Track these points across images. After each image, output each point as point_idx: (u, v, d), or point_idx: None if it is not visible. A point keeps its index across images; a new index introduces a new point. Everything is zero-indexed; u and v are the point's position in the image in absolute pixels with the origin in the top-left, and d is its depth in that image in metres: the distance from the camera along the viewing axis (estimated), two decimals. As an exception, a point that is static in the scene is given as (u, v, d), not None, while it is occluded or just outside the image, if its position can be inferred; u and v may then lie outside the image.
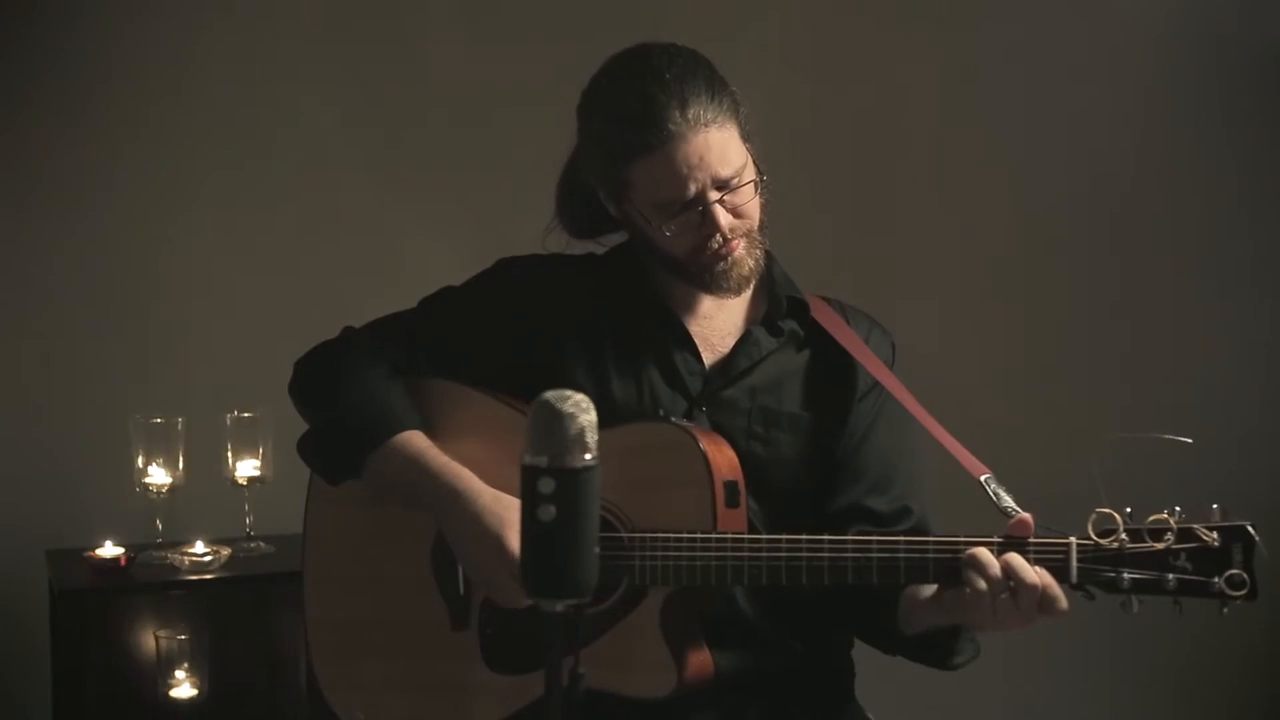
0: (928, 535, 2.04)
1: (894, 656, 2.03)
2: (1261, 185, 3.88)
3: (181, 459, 3.03)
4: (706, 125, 1.94)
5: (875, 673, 2.16)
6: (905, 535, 2.01)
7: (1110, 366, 3.83)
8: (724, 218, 1.96)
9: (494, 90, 3.46)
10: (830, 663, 2.10)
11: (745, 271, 2.00)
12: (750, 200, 1.99)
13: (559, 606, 1.39)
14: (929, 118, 3.75)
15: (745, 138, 2.00)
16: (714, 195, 1.95)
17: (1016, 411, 3.72)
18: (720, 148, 1.95)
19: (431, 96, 3.47)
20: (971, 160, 3.76)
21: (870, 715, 2.12)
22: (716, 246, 1.97)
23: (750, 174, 1.99)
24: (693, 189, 1.94)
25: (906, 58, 3.73)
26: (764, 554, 1.87)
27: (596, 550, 1.40)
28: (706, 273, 2.00)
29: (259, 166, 3.36)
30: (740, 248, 1.99)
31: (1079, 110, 3.79)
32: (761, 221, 2.02)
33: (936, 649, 1.97)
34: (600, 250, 2.17)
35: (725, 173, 1.95)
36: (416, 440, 2.01)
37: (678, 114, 1.93)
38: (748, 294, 2.10)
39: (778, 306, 2.08)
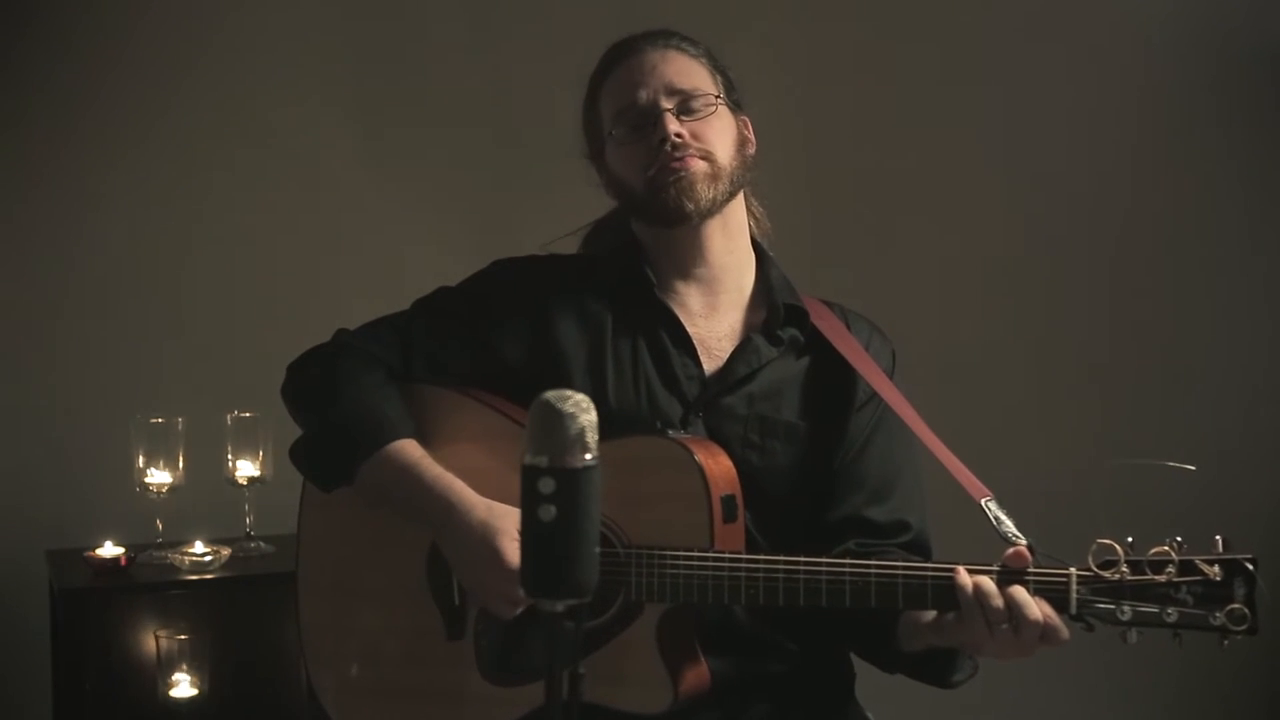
0: (926, 547, 2.04)
1: (893, 675, 2.02)
2: (1261, 185, 3.88)
3: (181, 459, 3.02)
4: (667, 47, 2.05)
5: (875, 674, 2.16)
6: (903, 548, 2.00)
7: (1108, 367, 3.83)
8: (672, 124, 2.00)
9: (494, 92, 3.47)
10: (830, 664, 2.09)
11: (699, 195, 2.00)
12: (707, 120, 2.02)
13: (559, 607, 1.39)
14: (928, 118, 3.75)
15: (722, 87, 2.06)
16: (666, 104, 2.01)
17: (1013, 412, 3.72)
18: (679, 64, 2.04)
19: (432, 98, 3.47)
20: (971, 161, 3.76)
21: (870, 716, 2.12)
22: (666, 155, 1.99)
23: (714, 101, 2.04)
24: (644, 95, 2.02)
25: (906, 58, 3.74)
26: (761, 573, 1.85)
27: (597, 550, 1.40)
28: (662, 194, 2.00)
29: (259, 168, 3.36)
30: (697, 167, 2.00)
31: (1078, 110, 3.79)
32: (734, 167, 2.03)
33: (935, 668, 1.96)
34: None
35: (680, 83, 2.02)
36: (410, 449, 2.00)
37: (642, 39, 2.06)
38: (745, 298, 2.09)
39: (776, 314, 2.06)
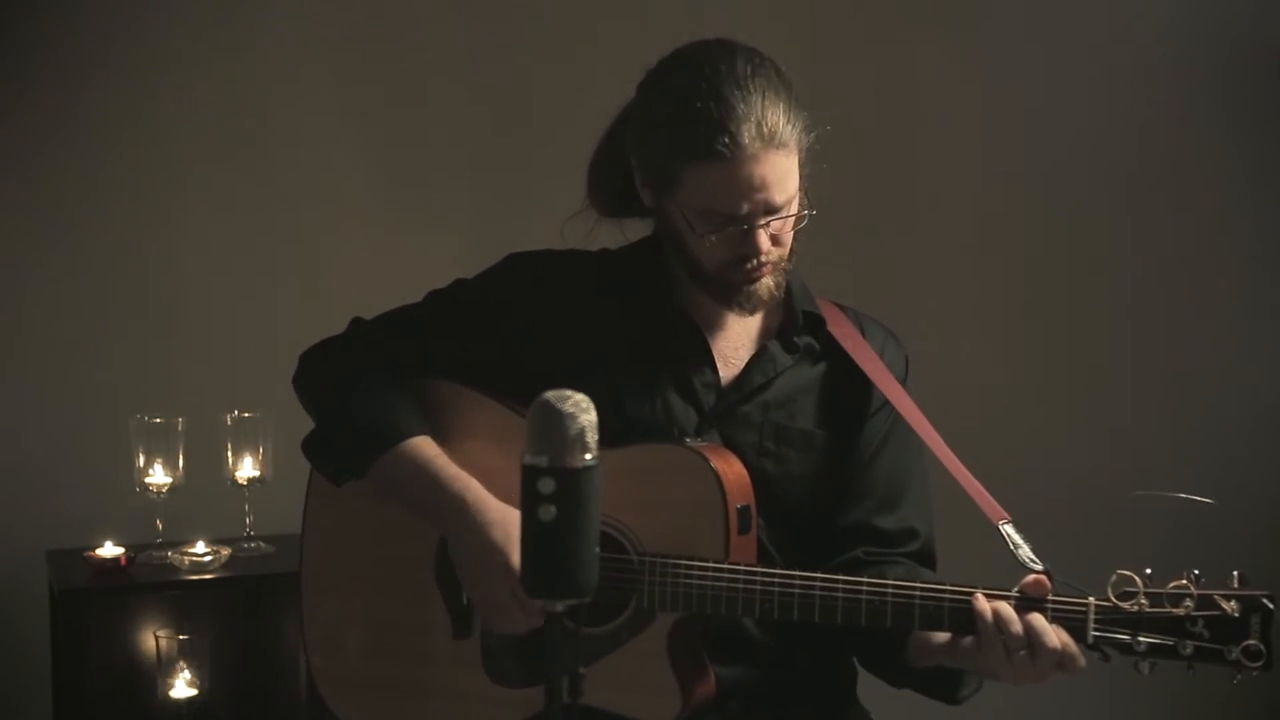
0: (932, 556, 2.04)
1: (900, 689, 2.02)
2: (1268, 184, 3.87)
3: (181, 459, 3.02)
4: (777, 149, 1.88)
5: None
6: (910, 557, 2.00)
7: (1114, 365, 3.82)
8: (765, 242, 1.92)
9: (496, 86, 3.46)
10: (834, 667, 2.09)
11: (765, 295, 1.97)
12: (791, 230, 1.95)
13: (559, 606, 1.40)
14: (930, 118, 3.75)
15: (803, 166, 1.95)
16: (761, 221, 1.91)
17: (1017, 411, 3.72)
18: (782, 174, 1.90)
19: (433, 93, 3.46)
20: (975, 164, 3.76)
21: (873, 717, 2.12)
22: (750, 268, 1.94)
23: (798, 205, 1.95)
24: (745, 209, 1.90)
25: (910, 57, 3.73)
26: (776, 588, 1.85)
27: (597, 551, 1.40)
28: (732, 291, 1.96)
29: (259, 166, 3.36)
30: (770, 274, 1.96)
31: (1084, 110, 3.79)
32: (792, 249, 1.99)
33: (942, 684, 1.96)
34: (621, 232, 2.12)
35: (779, 200, 1.91)
36: (424, 446, 1.99)
37: (753, 130, 1.87)
38: None
39: (794, 321, 2.05)
